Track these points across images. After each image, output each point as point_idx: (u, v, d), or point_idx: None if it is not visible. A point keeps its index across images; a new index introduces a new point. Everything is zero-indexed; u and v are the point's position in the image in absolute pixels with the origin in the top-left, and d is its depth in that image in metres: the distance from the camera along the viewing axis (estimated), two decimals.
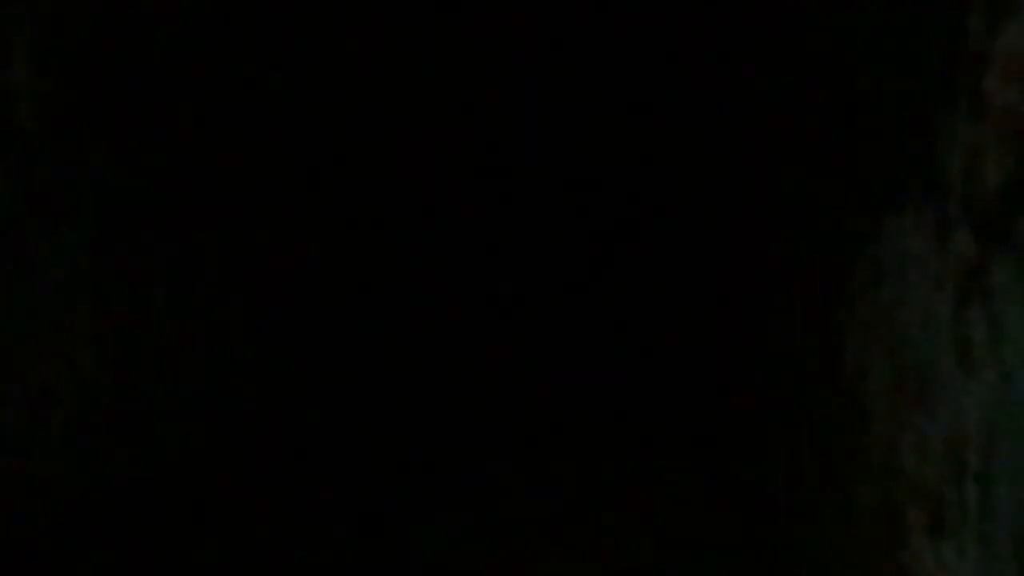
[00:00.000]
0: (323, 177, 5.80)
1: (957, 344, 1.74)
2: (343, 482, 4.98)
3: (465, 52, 7.09)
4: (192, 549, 3.83)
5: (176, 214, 4.05)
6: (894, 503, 2.13)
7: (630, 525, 4.09)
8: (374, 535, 3.99)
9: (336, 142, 6.04)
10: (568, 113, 7.65)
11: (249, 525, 4.17)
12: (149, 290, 3.85)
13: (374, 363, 6.88)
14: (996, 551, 1.56)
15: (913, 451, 1.99)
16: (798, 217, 3.50)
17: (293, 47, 5.35)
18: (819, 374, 3.06)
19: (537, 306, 7.96)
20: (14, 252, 2.98)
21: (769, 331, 4.17)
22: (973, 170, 1.68)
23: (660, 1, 5.80)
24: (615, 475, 5.03)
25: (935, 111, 1.88)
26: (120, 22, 3.61)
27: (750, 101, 4.55)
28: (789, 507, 3.57)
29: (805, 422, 3.31)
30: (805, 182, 3.38)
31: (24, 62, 3.03)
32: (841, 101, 2.77)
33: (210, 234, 4.37)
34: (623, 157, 7.74)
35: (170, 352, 4.01)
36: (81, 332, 3.36)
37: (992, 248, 1.59)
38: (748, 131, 4.60)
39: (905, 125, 2.09)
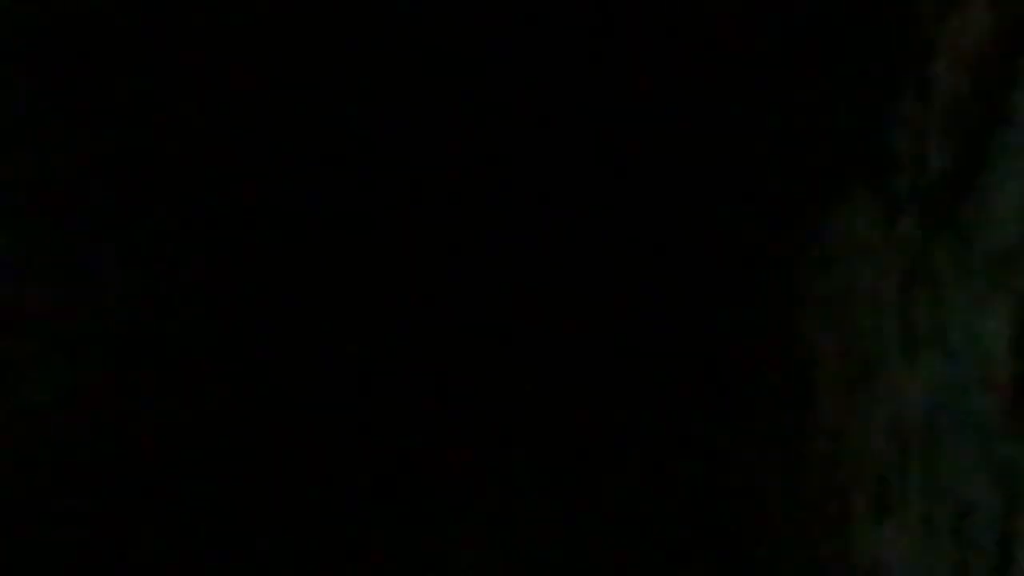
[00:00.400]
0: (304, 163, 5.70)
1: (902, 328, 1.76)
2: (327, 470, 4.92)
3: (461, 50, 7.00)
4: (168, 533, 3.76)
5: (138, 203, 3.95)
6: (839, 484, 2.16)
7: (579, 511, 4.10)
8: (356, 525, 3.95)
9: (316, 129, 5.94)
10: (525, 105, 7.61)
11: (226, 512, 4.10)
12: (108, 278, 3.75)
13: (358, 353, 6.80)
14: (937, 531, 1.59)
15: (858, 433, 2.02)
16: (749, 204, 3.53)
17: (268, 37, 5.23)
18: (770, 359, 3.10)
19: (492, 293, 7.94)
20: None
21: (720, 317, 4.21)
22: (919, 155, 1.70)
23: None
24: (561, 462, 5.04)
25: (883, 97, 1.90)
26: (76, 18, 3.49)
27: (700, 88, 4.57)
28: (738, 489, 3.62)
29: (755, 406, 3.35)
30: (754, 170, 3.40)
31: None
32: (790, 86, 2.79)
33: (172, 224, 4.27)
34: (584, 150, 7.74)
35: (131, 343, 3.92)
36: (38, 318, 3.27)
37: (936, 233, 1.61)
38: (697, 118, 4.62)
39: (853, 111, 2.10)
